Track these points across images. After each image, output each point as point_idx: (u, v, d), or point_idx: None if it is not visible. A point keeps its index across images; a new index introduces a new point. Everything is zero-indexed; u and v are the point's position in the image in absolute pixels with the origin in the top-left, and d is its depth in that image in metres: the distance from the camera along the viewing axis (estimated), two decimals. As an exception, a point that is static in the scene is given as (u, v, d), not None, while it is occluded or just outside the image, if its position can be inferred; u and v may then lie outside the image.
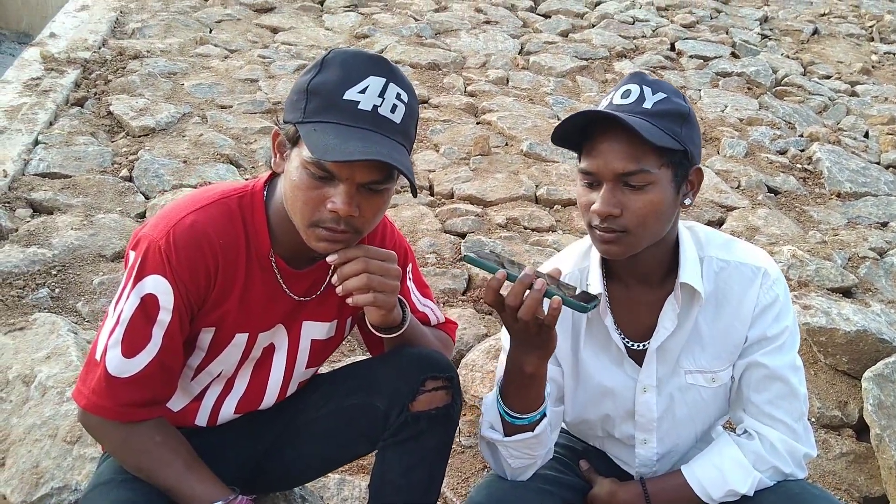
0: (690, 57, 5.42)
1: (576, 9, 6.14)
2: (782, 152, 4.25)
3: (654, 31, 5.86)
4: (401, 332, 1.33)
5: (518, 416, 1.33)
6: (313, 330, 1.39)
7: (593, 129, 1.26)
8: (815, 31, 6.25)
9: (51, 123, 3.57)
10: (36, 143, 3.37)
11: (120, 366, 1.21)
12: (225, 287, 1.26)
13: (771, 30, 6.25)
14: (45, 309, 2.35)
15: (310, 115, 1.14)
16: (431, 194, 3.45)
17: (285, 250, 1.29)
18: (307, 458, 1.46)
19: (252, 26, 5.17)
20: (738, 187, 3.79)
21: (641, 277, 1.37)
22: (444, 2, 6.01)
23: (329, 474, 1.82)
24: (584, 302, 1.19)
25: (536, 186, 3.53)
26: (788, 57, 5.69)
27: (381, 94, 1.15)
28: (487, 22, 5.70)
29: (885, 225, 3.59)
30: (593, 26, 5.86)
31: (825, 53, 5.89)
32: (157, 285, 1.20)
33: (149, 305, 1.20)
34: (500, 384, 1.35)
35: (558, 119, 4.14)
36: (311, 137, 1.12)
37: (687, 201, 1.31)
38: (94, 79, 4.07)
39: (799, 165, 4.13)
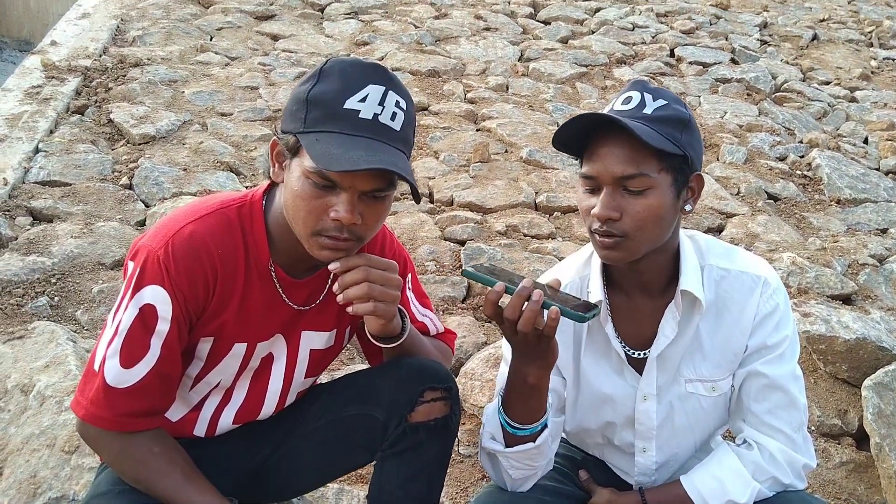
0: (690, 63, 5.43)
1: (575, 15, 6.16)
2: (782, 158, 4.25)
3: (653, 37, 5.87)
4: (400, 342, 1.33)
5: (520, 426, 1.32)
6: (312, 340, 1.39)
7: (594, 134, 1.27)
8: (815, 37, 6.26)
9: (51, 131, 3.58)
10: (36, 150, 3.38)
11: (118, 376, 1.21)
12: (223, 297, 1.26)
13: (770, 36, 6.26)
14: (44, 317, 2.35)
15: (311, 125, 1.15)
16: (431, 201, 3.45)
17: (284, 259, 1.29)
18: (306, 469, 1.46)
19: (252, 34, 5.18)
20: (737, 194, 3.79)
21: (642, 285, 1.37)
22: (444, 9, 6.03)
23: (328, 484, 1.82)
24: (584, 311, 1.19)
25: (536, 193, 3.54)
26: (788, 63, 5.70)
27: (381, 103, 1.15)
28: (487, 29, 5.71)
29: (884, 231, 3.59)
30: (593, 33, 5.87)
31: (824, 59, 5.90)
32: (156, 295, 1.20)
33: (147, 316, 1.20)
34: (502, 395, 1.34)
35: (558, 126, 4.15)
36: (315, 147, 1.12)
37: (687, 207, 1.31)
38: (94, 87, 4.08)
39: (798, 172, 4.13)
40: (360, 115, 1.14)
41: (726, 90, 5.06)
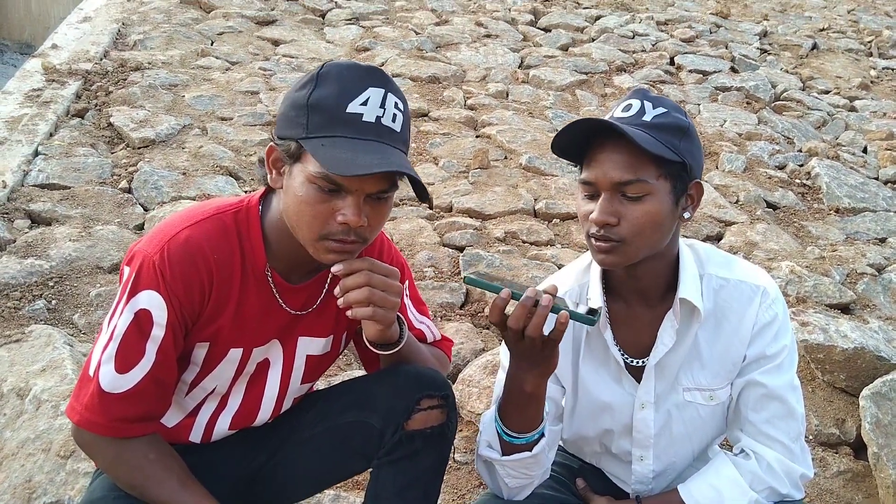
0: (690, 71, 5.44)
1: (576, 23, 6.17)
2: (781, 167, 4.25)
3: (653, 45, 5.88)
4: (398, 348, 1.33)
5: (516, 435, 1.32)
6: (309, 345, 1.39)
7: (593, 140, 1.27)
8: (815, 46, 6.27)
9: (51, 134, 3.58)
10: (36, 153, 3.38)
11: (113, 381, 1.20)
12: (219, 302, 1.26)
13: (770, 45, 6.28)
14: (41, 321, 2.35)
15: (314, 131, 1.15)
16: (430, 207, 3.45)
17: (281, 264, 1.29)
18: (302, 476, 1.45)
19: (253, 39, 5.19)
20: (736, 202, 3.79)
21: (641, 294, 1.37)
22: (445, 16, 6.04)
23: (324, 491, 1.81)
24: (590, 315, 1.20)
25: (535, 200, 3.54)
26: (787, 72, 5.72)
27: (382, 105, 1.16)
28: (488, 36, 5.72)
29: (883, 241, 3.59)
30: (593, 40, 5.88)
31: (824, 68, 5.91)
32: (151, 300, 1.20)
33: (142, 321, 1.20)
34: (499, 403, 1.34)
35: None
36: (322, 153, 1.12)
37: (686, 215, 1.31)
38: (94, 90, 4.08)
39: (797, 180, 4.14)
40: (364, 119, 1.15)
41: (726, 98, 5.07)
